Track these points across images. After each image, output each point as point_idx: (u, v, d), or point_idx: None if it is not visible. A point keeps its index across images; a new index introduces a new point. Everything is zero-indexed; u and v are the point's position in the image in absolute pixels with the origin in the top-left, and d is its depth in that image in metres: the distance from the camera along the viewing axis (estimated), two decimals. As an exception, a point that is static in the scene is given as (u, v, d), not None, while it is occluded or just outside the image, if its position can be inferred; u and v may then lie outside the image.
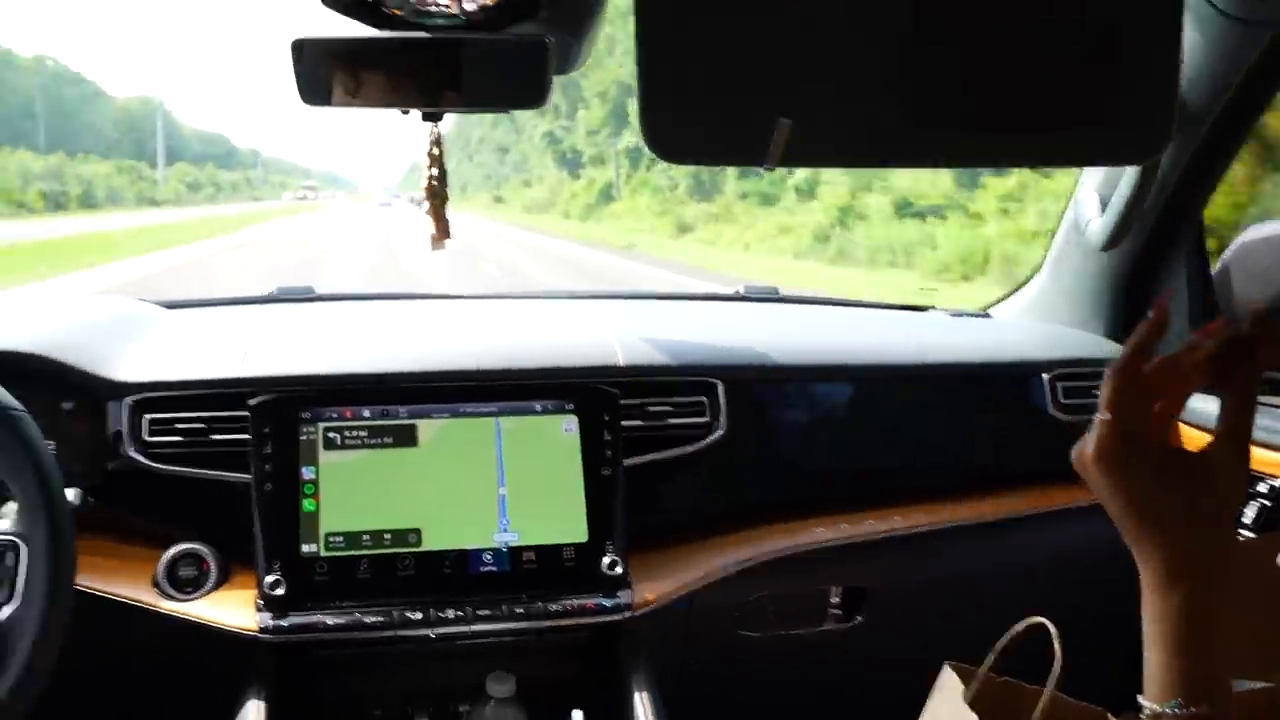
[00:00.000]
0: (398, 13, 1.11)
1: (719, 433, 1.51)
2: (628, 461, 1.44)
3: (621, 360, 1.51)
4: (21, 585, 1.07)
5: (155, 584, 1.32)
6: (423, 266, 16.13)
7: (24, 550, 1.08)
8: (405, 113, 1.22)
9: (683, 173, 27.46)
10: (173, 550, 1.33)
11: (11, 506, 1.20)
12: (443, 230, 1.42)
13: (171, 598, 1.31)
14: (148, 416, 1.36)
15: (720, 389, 1.53)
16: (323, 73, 1.13)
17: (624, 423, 1.45)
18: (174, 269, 18.21)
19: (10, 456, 1.08)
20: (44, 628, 1.06)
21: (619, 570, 1.37)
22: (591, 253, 23.26)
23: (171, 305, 1.77)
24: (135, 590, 1.31)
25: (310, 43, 1.12)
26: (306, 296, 2.03)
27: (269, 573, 1.29)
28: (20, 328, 1.43)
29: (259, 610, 1.29)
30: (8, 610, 1.06)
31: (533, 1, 1.08)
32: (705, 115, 0.77)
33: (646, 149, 0.77)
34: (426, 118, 1.26)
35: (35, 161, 68.18)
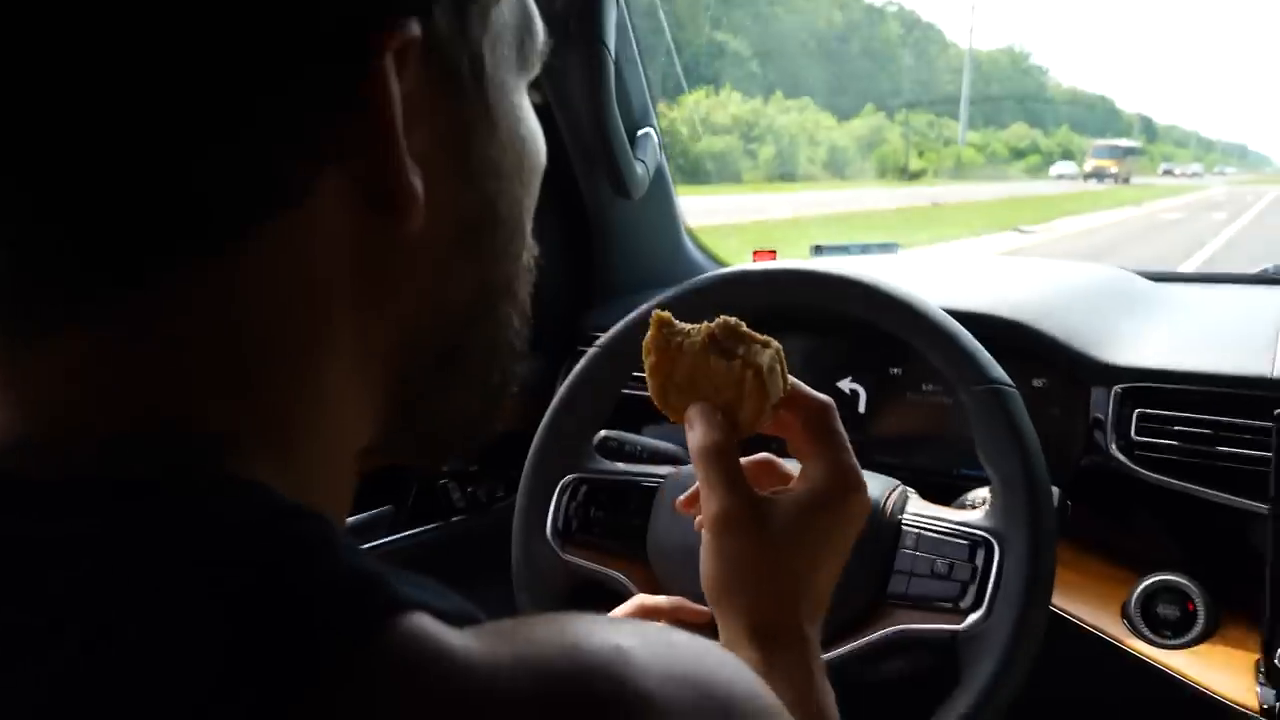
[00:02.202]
0: None
1: None
2: None
3: None
4: (991, 589, 0.91)
5: (1125, 616, 1.08)
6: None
7: (997, 550, 0.92)
8: None
9: None
10: (1151, 579, 1.08)
11: (981, 494, 1.06)
12: None
13: (1145, 638, 1.06)
14: (1138, 411, 1.12)
15: None
16: None
17: None
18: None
19: (994, 438, 0.93)
20: (1016, 641, 0.88)
21: None
22: None
23: (1156, 278, 1.51)
24: (1100, 619, 1.09)
25: None
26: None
27: (1282, 638, 0.97)
28: (991, 293, 1.30)
29: (1261, 684, 0.98)
30: (971, 619, 0.91)
31: None
32: None
33: None
34: None
35: (765, 106, 48.05)
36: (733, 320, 0.67)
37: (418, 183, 0.37)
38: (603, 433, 1.17)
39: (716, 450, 0.63)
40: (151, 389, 0.35)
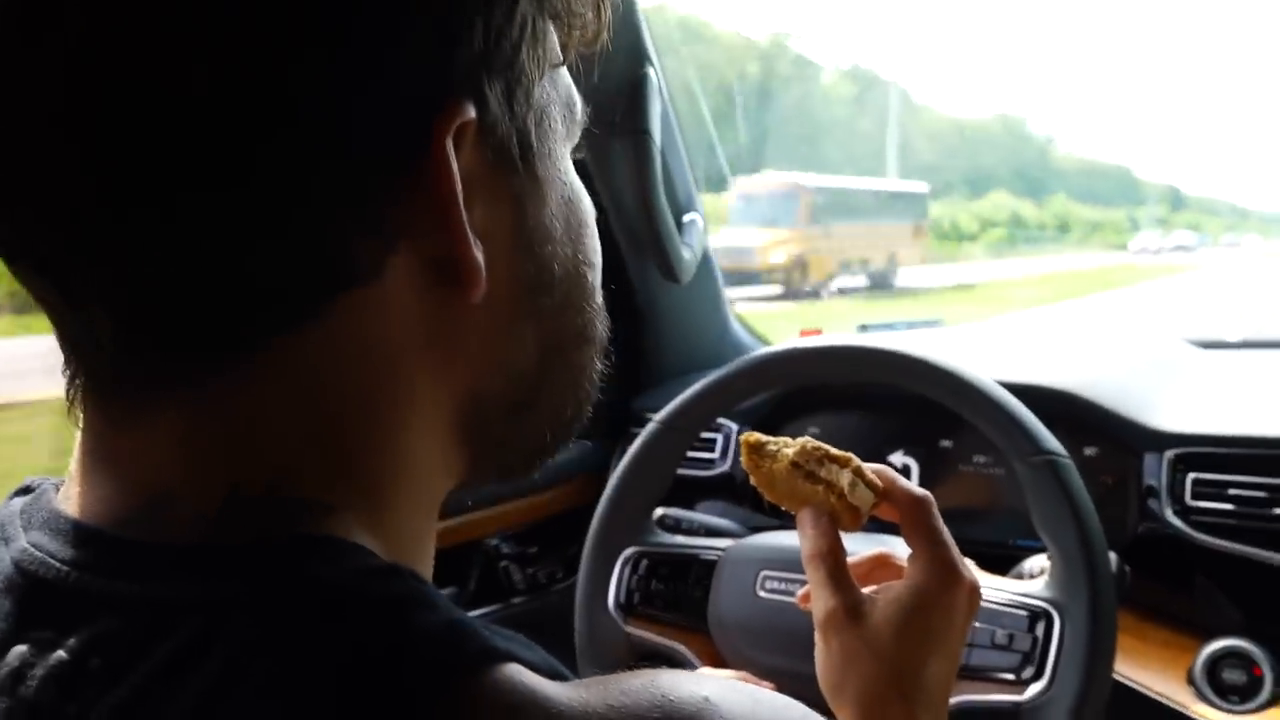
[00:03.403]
0: None
1: None
2: None
3: None
4: (1053, 660, 0.92)
5: (1191, 682, 1.08)
6: None
7: (1057, 620, 0.93)
8: None
9: None
10: (1215, 645, 1.08)
11: (1038, 564, 1.07)
12: None
13: (1211, 704, 1.06)
14: (1192, 475, 1.12)
15: None
16: None
17: None
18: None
19: (1051, 509, 0.94)
20: (1080, 711, 0.89)
21: None
22: None
23: (1206, 345, 1.52)
24: (1166, 685, 1.08)
25: None
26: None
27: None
28: (1039, 363, 1.31)
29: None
30: (1034, 690, 0.91)
31: None
32: None
33: None
34: None
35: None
36: (810, 444, 0.70)
37: (479, 255, 0.40)
38: (660, 510, 1.19)
39: (820, 555, 0.67)
40: (246, 459, 0.38)
